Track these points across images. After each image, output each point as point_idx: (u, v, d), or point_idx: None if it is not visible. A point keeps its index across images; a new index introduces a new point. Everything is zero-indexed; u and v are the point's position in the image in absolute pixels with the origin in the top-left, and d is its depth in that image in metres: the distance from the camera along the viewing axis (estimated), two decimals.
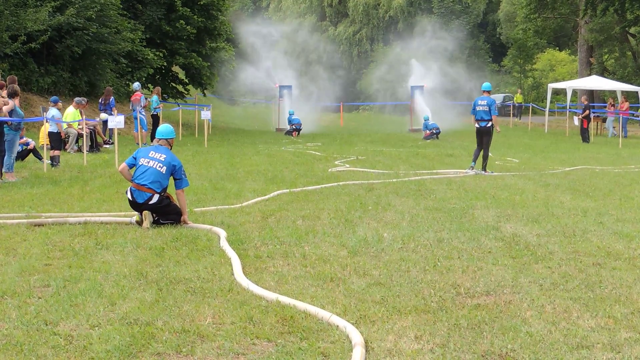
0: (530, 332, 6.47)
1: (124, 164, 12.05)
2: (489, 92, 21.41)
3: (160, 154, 11.70)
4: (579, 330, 6.55)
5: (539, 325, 6.67)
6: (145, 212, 11.40)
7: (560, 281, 8.19)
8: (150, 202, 11.46)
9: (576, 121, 41.77)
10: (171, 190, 11.85)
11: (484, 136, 21.19)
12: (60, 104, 23.89)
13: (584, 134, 38.33)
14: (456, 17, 78.11)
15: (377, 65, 73.57)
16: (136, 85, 31.44)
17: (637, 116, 43.52)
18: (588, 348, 6.14)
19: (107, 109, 29.60)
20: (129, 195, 11.64)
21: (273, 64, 54.90)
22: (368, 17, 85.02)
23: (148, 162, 11.63)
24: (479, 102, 21.29)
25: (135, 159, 11.82)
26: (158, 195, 11.48)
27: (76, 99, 26.26)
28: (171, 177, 11.75)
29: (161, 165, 11.58)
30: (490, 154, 21.69)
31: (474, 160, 21.14)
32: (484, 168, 20.71)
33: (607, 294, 7.71)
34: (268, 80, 50.30)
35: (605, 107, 50.81)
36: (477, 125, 21.40)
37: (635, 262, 9.20)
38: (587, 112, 38.84)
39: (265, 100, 58.22)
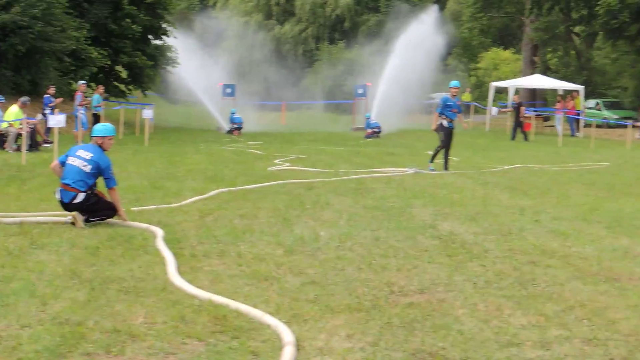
0: (461, 330, 6.52)
1: (55, 161, 11.91)
2: (450, 89, 21.41)
3: (87, 153, 11.51)
4: (510, 328, 6.61)
5: (470, 323, 6.72)
6: (74, 214, 11.22)
7: (494, 279, 8.26)
8: (75, 202, 11.26)
9: (494, 111, 42.14)
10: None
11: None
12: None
13: (515, 132, 38.82)
14: (403, 15, 78.36)
15: (322, 64, 73.57)
16: (79, 82, 31.26)
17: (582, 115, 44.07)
18: (518, 345, 6.20)
19: (44, 107, 29.34)
20: (57, 196, 11.50)
21: (217, 63, 54.65)
22: (315, 16, 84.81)
23: (74, 161, 11.45)
24: None
25: (67, 156, 11.67)
26: (83, 194, 11.28)
27: (22, 98, 26.00)
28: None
29: (85, 164, 11.38)
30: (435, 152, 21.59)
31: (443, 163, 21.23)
32: (431, 160, 20.92)
33: (539, 292, 7.79)
34: (211, 79, 49.96)
35: (544, 104, 51.48)
36: None
37: (570, 260, 9.30)
38: (523, 109, 39.27)
39: (188, 101, 57.38)
